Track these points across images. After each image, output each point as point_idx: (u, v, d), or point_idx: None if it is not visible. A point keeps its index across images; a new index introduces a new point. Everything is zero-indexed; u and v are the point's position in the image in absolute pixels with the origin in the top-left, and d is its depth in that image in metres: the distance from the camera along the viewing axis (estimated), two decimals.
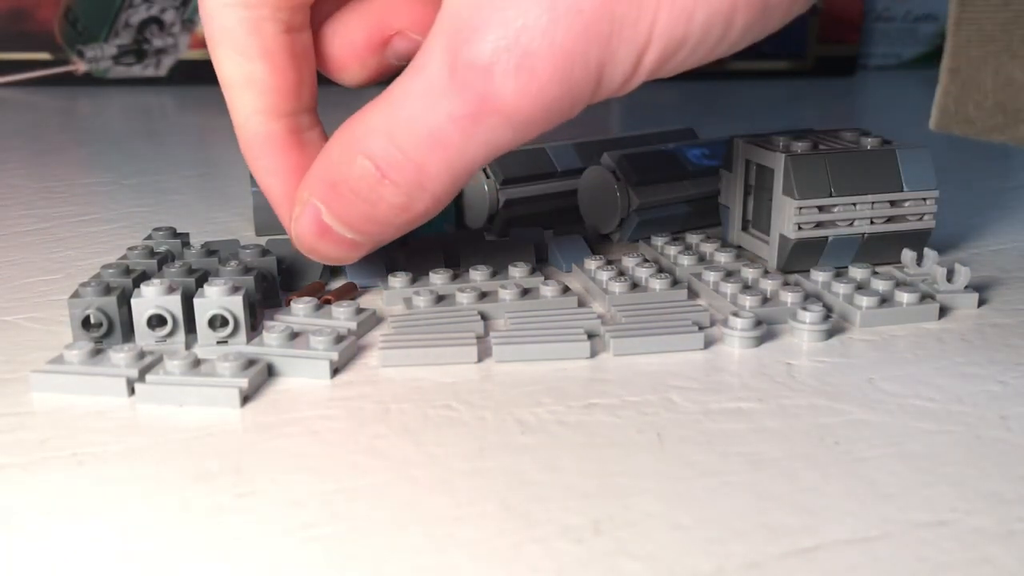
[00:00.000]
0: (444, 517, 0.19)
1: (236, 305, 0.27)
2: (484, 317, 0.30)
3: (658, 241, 0.35)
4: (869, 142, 0.34)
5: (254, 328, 0.29)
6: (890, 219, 0.33)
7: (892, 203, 0.33)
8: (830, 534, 0.18)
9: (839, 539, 0.18)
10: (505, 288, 0.30)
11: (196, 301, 0.27)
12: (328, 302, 0.30)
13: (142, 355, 0.25)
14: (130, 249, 0.33)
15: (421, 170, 0.24)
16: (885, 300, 0.30)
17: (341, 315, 0.29)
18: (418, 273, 0.32)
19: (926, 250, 0.32)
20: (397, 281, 0.32)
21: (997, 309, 0.30)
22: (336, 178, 0.25)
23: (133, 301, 0.27)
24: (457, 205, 0.39)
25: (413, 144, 0.24)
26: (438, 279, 0.32)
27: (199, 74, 0.81)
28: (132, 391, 0.24)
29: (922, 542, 0.18)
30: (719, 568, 0.17)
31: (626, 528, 0.18)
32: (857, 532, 0.18)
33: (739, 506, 0.19)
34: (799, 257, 0.33)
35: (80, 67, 0.82)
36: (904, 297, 0.29)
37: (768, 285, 0.30)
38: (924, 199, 0.33)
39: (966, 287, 0.31)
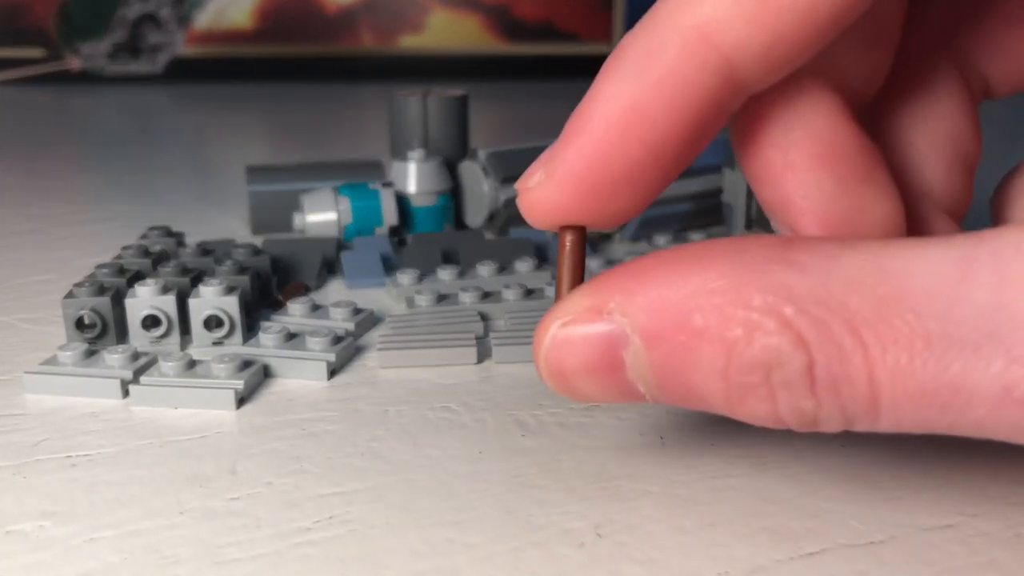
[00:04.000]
0: (443, 521, 0.19)
1: (232, 305, 0.27)
2: (484, 317, 0.29)
3: (660, 240, 0.35)
4: None
5: (250, 328, 0.28)
6: None
7: None
8: (835, 538, 0.18)
9: (844, 543, 0.18)
10: (507, 288, 0.30)
11: (191, 301, 0.27)
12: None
13: (136, 356, 0.25)
14: (124, 248, 0.33)
15: (873, 408, 0.15)
16: None
17: (339, 316, 0.29)
18: (419, 271, 0.32)
19: None
20: (396, 281, 0.31)
21: None
22: (701, 325, 0.15)
23: (127, 301, 0.27)
24: (457, 205, 0.39)
25: (888, 379, 0.14)
26: (444, 276, 0.32)
27: (195, 71, 0.81)
28: (126, 393, 0.24)
29: (928, 546, 0.18)
30: (722, 573, 0.17)
31: (628, 532, 0.18)
32: (862, 536, 0.18)
33: (743, 510, 0.19)
34: None
35: (75, 64, 0.81)
36: None
37: None
38: None
39: None
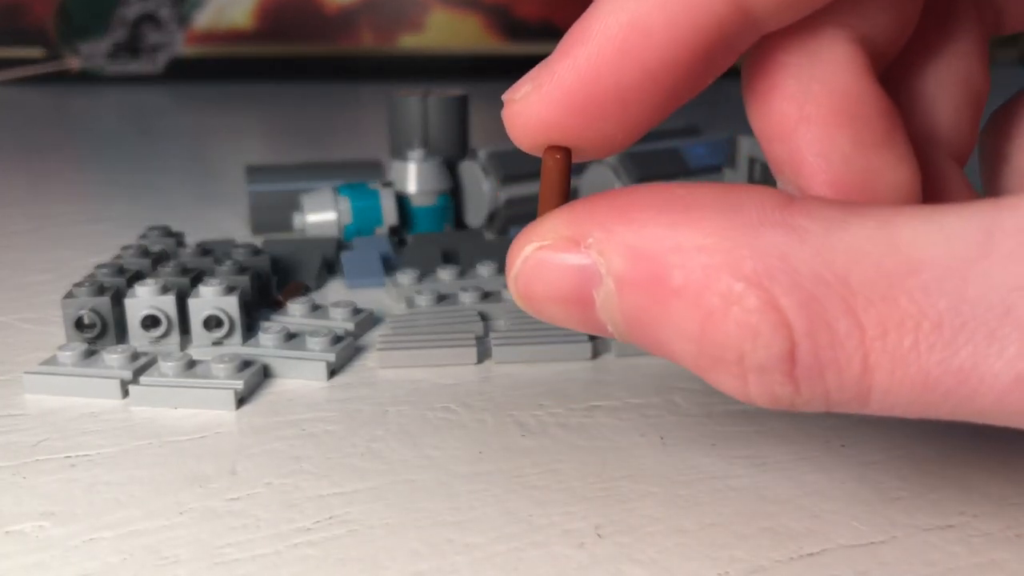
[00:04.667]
0: (443, 521, 0.19)
1: (231, 305, 0.27)
2: (484, 317, 0.29)
3: None
4: None
5: (250, 328, 0.28)
6: None
7: None
8: (836, 539, 0.18)
9: (845, 544, 0.18)
10: (506, 288, 0.30)
11: (191, 301, 0.27)
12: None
13: (136, 356, 0.25)
14: (124, 248, 0.33)
15: (863, 395, 0.13)
16: None
17: (338, 316, 0.29)
18: (419, 271, 0.32)
19: None
20: (396, 281, 0.31)
21: None
22: (679, 284, 0.14)
23: (127, 301, 0.27)
24: (457, 205, 0.39)
25: (886, 365, 0.13)
26: (444, 276, 0.32)
27: (195, 71, 0.81)
28: (126, 393, 0.24)
29: (929, 546, 0.18)
30: (723, 573, 0.17)
31: (628, 533, 0.18)
32: (863, 536, 0.18)
33: (743, 510, 0.19)
34: None
35: (75, 64, 0.81)
36: None
37: None
38: None
39: None
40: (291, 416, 0.23)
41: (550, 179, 0.16)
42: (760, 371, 0.13)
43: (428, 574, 0.17)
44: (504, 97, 0.16)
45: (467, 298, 0.30)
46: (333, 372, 0.26)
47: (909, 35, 0.17)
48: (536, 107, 0.16)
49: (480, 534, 0.18)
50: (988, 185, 0.19)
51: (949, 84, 0.18)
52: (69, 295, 0.27)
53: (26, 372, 0.25)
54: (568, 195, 0.17)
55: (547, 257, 0.15)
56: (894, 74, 0.18)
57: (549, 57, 0.16)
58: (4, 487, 0.20)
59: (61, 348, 0.25)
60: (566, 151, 0.16)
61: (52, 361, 0.25)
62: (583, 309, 0.15)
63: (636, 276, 0.14)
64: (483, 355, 0.27)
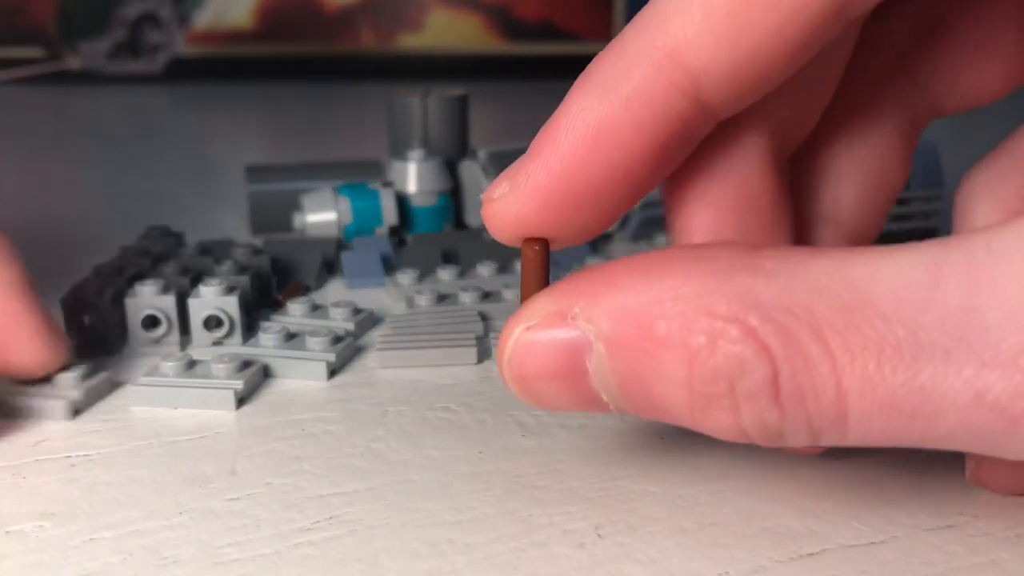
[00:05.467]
0: (443, 521, 0.19)
1: (231, 305, 0.27)
2: (484, 317, 0.29)
3: (661, 239, 0.35)
4: None
5: (250, 328, 0.28)
6: (894, 218, 0.33)
7: (897, 202, 0.33)
8: (836, 539, 0.18)
9: (845, 544, 0.18)
10: (507, 288, 0.30)
11: (191, 301, 0.27)
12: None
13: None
14: (124, 248, 0.32)
15: (840, 419, 0.14)
16: None
17: (339, 316, 0.29)
18: (419, 271, 0.32)
19: None
20: (396, 281, 0.31)
21: None
22: (664, 332, 0.14)
23: (127, 301, 0.27)
24: (457, 205, 0.39)
25: (856, 387, 0.14)
26: (444, 276, 0.32)
27: (195, 71, 0.81)
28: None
29: (929, 546, 0.18)
30: (723, 573, 0.17)
31: (628, 533, 0.18)
32: (863, 537, 0.18)
33: (743, 510, 0.19)
34: None
35: (74, 64, 0.81)
36: None
37: None
38: (929, 197, 0.33)
39: None
40: (291, 416, 0.23)
41: (530, 268, 0.17)
42: (750, 398, 0.14)
43: (428, 574, 0.17)
44: (483, 197, 0.17)
45: (467, 298, 0.30)
46: (333, 372, 0.26)
47: (817, 120, 0.19)
48: (514, 206, 0.17)
49: (480, 534, 0.18)
50: None
51: (856, 171, 0.19)
52: (69, 295, 0.27)
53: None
54: (548, 282, 0.17)
55: (536, 336, 0.16)
56: (806, 154, 0.20)
57: (523, 157, 0.17)
58: (4, 487, 0.20)
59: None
60: (544, 241, 0.17)
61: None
62: (576, 382, 0.16)
63: (623, 334, 0.15)
64: (483, 355, 0.27)
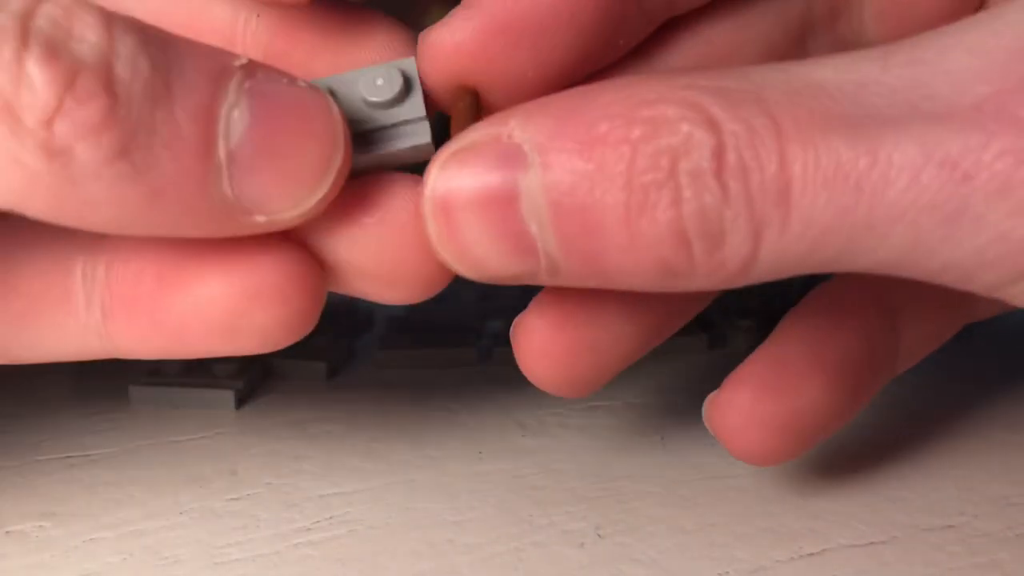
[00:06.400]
0: (443, 521, 0.19)
1: None
2: (484, 317, 0.29)
3: None
4: None
5: None
6: None
7: None
8: (837, 539, 0.18)
9: (846, 544, 0.18)
10: (507, 287, 0.30)
11: None
12: None
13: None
14: None
15: (783, 199, 0.13)
16: None
17: (339, 316, 0.29)
18: None
19: None
20: None
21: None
22: (604, 130, 0.13)
23: None
24: None
25: (800, 157, 0.13)
26: None
27: None
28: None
29: (930, 546, 0.18)
30: (723, 573, 0.17)
31: (628, 533, 0.18)
32: (864, 537, 0.18)
33: (744, 510, 0.19)
34: None
35: None
36: None
37: (774, 284, 0.30)
38: None
39: None
40: (291, 416, 0.23)
41: (461, 121, 0.16)
42: (693, 177, 0.13)
43: (428, 574, 0.17)
44: (420, 35, 0.16)
45: (467, 298, 0.30)
46: (333, 372, 0.26)
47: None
48: (452, 34, 0.16)
49: (480, 534, 0.18)
50: None
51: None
52: None
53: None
54: None
55: (466, 157, 0.14)
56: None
57: None
58: (4, 487, 0.20)
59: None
60: (475, 93, 0.16)
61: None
62: (506, 211, 0.14)
63: (561, 140, 0.14)
64: (483, 355, 0.27)
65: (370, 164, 0.15)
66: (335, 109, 0.15)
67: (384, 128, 0.15)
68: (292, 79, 0.15)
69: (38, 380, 0.25)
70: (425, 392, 0.25)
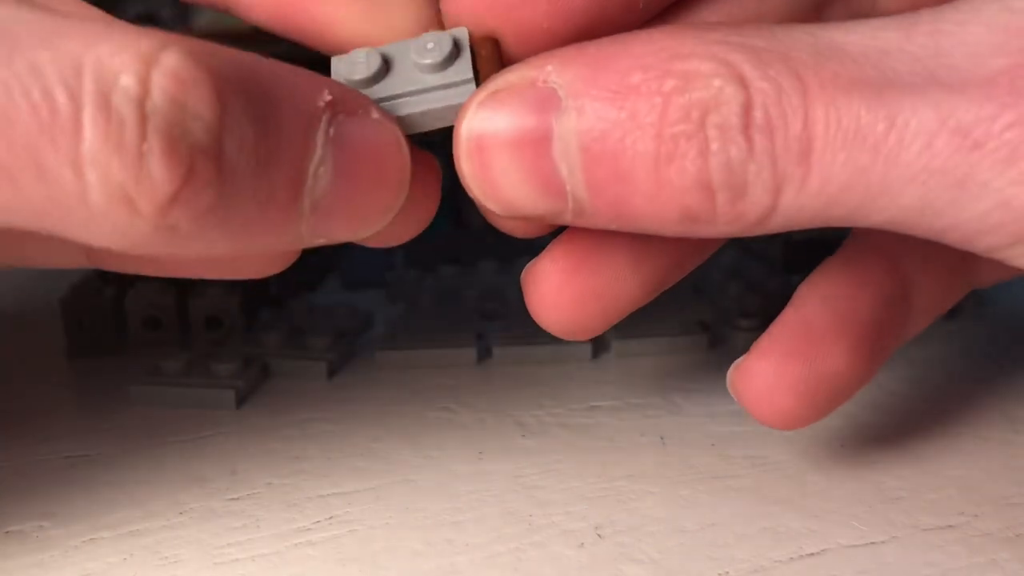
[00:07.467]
0: (443, 521, 0.19)
1: (232, 305, 0.27)
2: (484, 317, 0.29)
3: None
4: None
5: (249, 328, 0.28)
6: None
7: None
8: (836, 539, 0.18)
9: (845, 544, 0.18)
10: (508, 286, 0.30)
11: (191, 301, 0.27)
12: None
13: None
14: None
15: (805, 156, 0.14)
16: None
17: (339, 315, 0.29)
18: (419, 271, 0.32)
19: None
20: (396, 280, 0.31)
21: (1005, 311, 0.30)
22: (638, 80, 0.14)
23: (127, 302, 0.27)
24: (457, 204, 0.39)
25: (823, 117, 0.13)
26: (444, 274, 0.32)
27: None
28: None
29: (929, 546, 0.18)
30: (723, 573, 0.17)
31: (628, 533, 0.18)
32: (864, 537, 0.18)
33: (743, 510, 0.19)
34: (804, 257, 0.32)
35: None
36: None
37: (774, 284, 0.30)
38: None
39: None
40: (291, 416, 0.23)
41: (488, 67, 0.16)
42: (721, 130, 0.14)
43: (428, 574, 0.17)
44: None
45: (467, 298, 0.30)
46: (333, 372, 0.26)
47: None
48: None
49: (480, 534, 0.18)
50: None
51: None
52: (68, 296, 0.27)
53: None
54: None
55: (502, 98, 0.14)
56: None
57: None
58: (4, 487, 0.20)
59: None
60: (496, 42, 0.16)
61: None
62: (538, 153, 0.14)
63: (596, 87, 0.14)
64: (483, 355, 0.27)
65: (416, 124, 0.16)
66: (404, 147, 0.15)
67: (431, 89, 0.16)
68: (366, 109, 0.15)
69: (38, 380, 0.26)
70: (425, 392, 0.25)
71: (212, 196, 0.13)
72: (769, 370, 0.18)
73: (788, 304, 0.19)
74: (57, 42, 0.13)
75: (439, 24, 0.16)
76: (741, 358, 0.19)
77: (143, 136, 0.13)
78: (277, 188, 0.14)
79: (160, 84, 0.13)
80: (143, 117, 0.13)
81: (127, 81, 0.13)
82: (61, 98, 0.12)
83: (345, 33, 0.17)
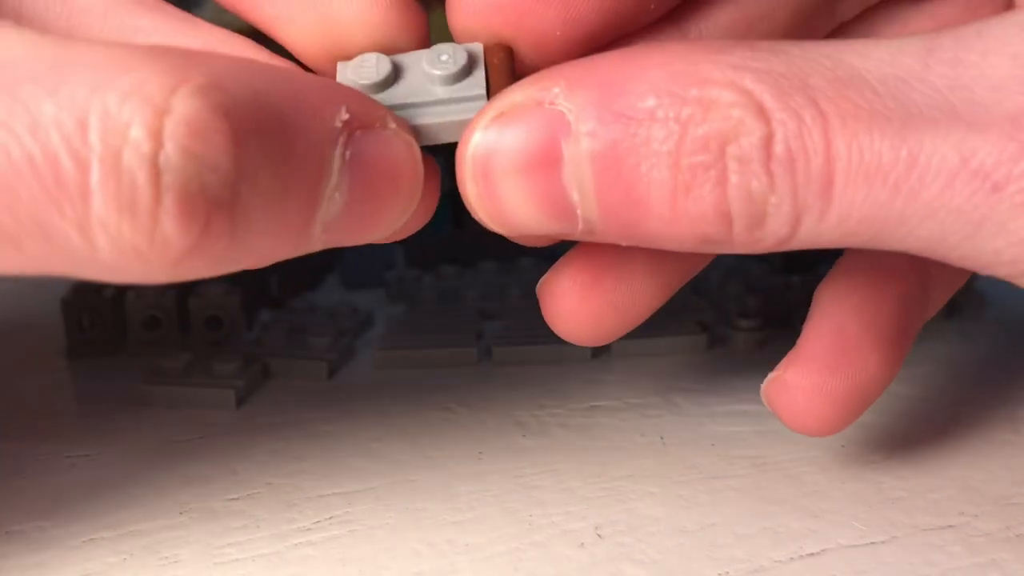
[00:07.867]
0: (443, 521, 0.19)
1: (232, 305, 0.27)
2: (484, 317, 0.29)
3: None
4: None
5: (249, 328, 0.28)
6: None
7: None
8: (836, 539, 0.18)
9: (845, 544, 0.18)
10: (508, 286, 0.30)
11: (191, 301, 0.27)
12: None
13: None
14: None
15: (826, 190, 0.13)
16: None
17: (338, 316, 0.29)
18: (419, 271, 0.32)
19: None
20: (396, 281, 0.31)
21: (1005, 310, 0.30)
22: (653, 105, 0.13)
23: (128, 302, 0.27)
24: (457, 204, 0.39)
25: (844, 152, 0.13)
26: (445, 275, 0.32)
27: None
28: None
29: (929, 547, 0.18)
30: (723, 573, 0.17)
31: (628, 533, 0.18)
32: (864, 537, 0.18)
33: (743, 510, 0.19)
34: (804, 257, 0.32)
35: None
36: None
37: (774, 284, 0.30)
38: None
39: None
40: (291, 416, 0.23)
41: (498, 77, 0.16)
42: (741, 162, 0.13)
43: (428, 574, 0.17)
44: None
45: (468, 297, 0.30)
46: (333, 372, 0.26)
47: None
48: None
49: (480, 534, 0.18)
50: None
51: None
52: (69, 296, 0.27)
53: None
54: None
55: (508, 121, 0.14)
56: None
57: None
58: (4, 487, 0.20)
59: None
60: (509, 49, 0.16)
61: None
62: (548, 176, 0.14)
63: (608, 110, 0.13)
64: (483, 355, 0.27)
65: (426, 136, 0.15)
66: (420, 161, 0.15)
67: (442, 102, 0.15)
68: (383, 120, 0.14)
69: (38, 380, 0.26)
70: (425, 392, 0.25)
71: (226, 243, 0.13)
72: (807, 384, 0.18)
73: (814, 310, 0.19)
74: (61, 87, 0.12)
75: (399, 42, 0.16)
76: (775, 371, 0.19)
77: (157, 198, 0.12)
78: (290, 217, 0.14)
79: (174, 136, 0.12)
80: (156, 174, 0.12)
81: (138, 134, 0.12)
82: (67, 163, 0.11)
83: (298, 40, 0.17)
